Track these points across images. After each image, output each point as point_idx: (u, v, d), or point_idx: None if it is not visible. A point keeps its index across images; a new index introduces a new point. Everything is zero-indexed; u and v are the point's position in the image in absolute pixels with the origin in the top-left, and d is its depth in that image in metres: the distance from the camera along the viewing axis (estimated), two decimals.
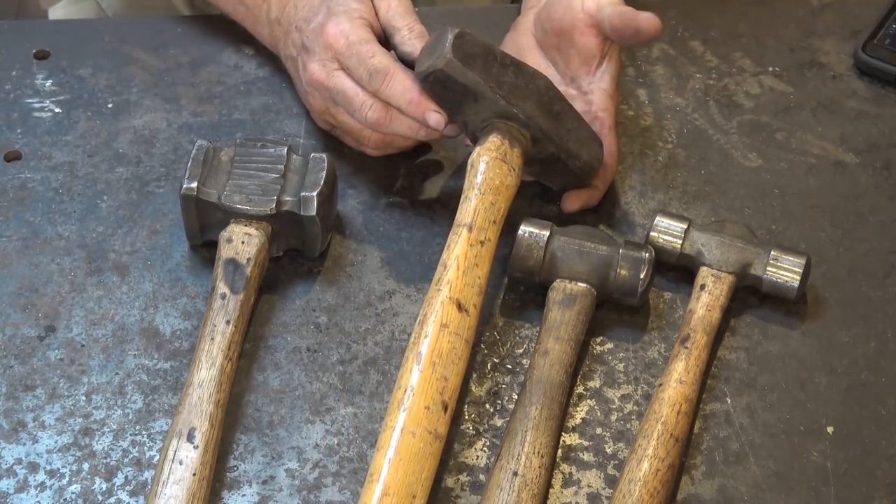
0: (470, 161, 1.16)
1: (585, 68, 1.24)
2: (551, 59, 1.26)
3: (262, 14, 1.31)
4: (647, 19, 1.19)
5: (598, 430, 1.12)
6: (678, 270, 1.20)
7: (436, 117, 1.17)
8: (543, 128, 1.17)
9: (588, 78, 1.24)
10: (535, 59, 1.26)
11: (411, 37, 1.21)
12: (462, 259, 1.10)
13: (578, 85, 1.25)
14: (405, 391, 1.04)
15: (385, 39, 1.24)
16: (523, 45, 1.27)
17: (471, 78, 1.14)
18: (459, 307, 1.08)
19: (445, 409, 1.05)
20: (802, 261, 1.17)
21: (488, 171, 1.15)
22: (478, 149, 1.16)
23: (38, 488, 1.07)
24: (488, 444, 1.11)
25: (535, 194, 1.26)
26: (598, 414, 1.13)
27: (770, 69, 1.39)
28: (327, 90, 1.21)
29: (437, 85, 1.15)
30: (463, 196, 1.14)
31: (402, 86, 1.17)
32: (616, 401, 1.14)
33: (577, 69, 1.24)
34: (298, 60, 1.24)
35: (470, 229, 1.12)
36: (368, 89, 1.18)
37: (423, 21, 1.34)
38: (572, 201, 1.23)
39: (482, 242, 1.12)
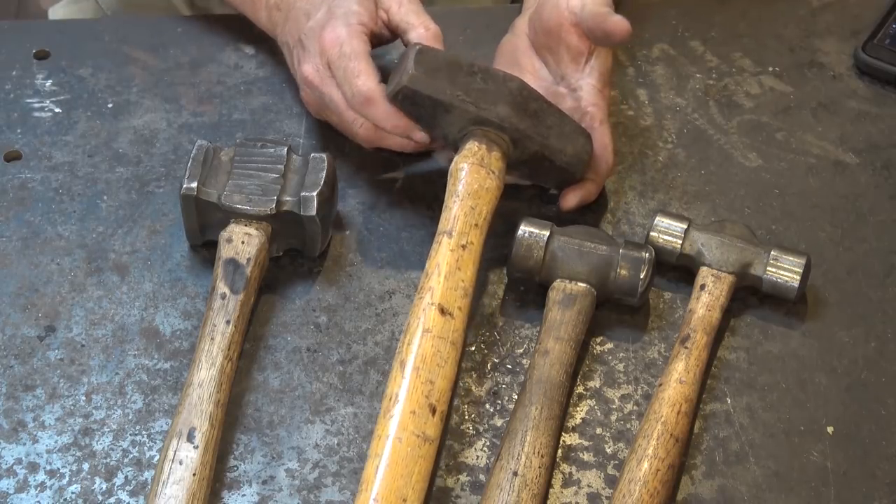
0: (450, 170, 1.17)
1: (574, 66, 1.24)
2: (543, 59, 1.26)
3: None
4: (615, 23, 1.20)
5: (598, 430, 1.12)
6: (678, 270, 1.20)
7: (421, 135, 1.19)
8: (520, 127, 1.17)
9: (577, 75, 1.24)
10: (530, 60, 1.27)
11: (427, 37, 1.22)
12: (443, 265, 1.11)
13: (568, 83, 1.25)
14: (391, 399, 1.05)
15: (391, 37, 1.24)
16: (518, 46, 1.28)
17: (436, 89, 1.16)
18: (443, 311, 1.08)
19: (434, 411, 1.05)
20: (802, 261, 1.17)
21: (466, 176, 1.15)
22: (456, 157, 1.17)
23: (38, 488, 1.07)
24: (488, 444, 1.11)
25: (535, 194, 1.26)
26: (598, 414, 1.13)
27: (770, 69, 1.39)
28: (320, 94, 1.23)
29: (406, 102, 1.17)
30: (444, 205, 1.15)
31: (384, 110, 1.18)
32: (616, 401, 1.14)
33: (567, 67, 1.24)
34: (294, 54, 1.25)
35: (450, 235, 1.12)
36: (352, 109, 1.20)
37: None
38: (569, 198, 1.23)
39: (464, 247, 1.12)
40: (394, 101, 1.17)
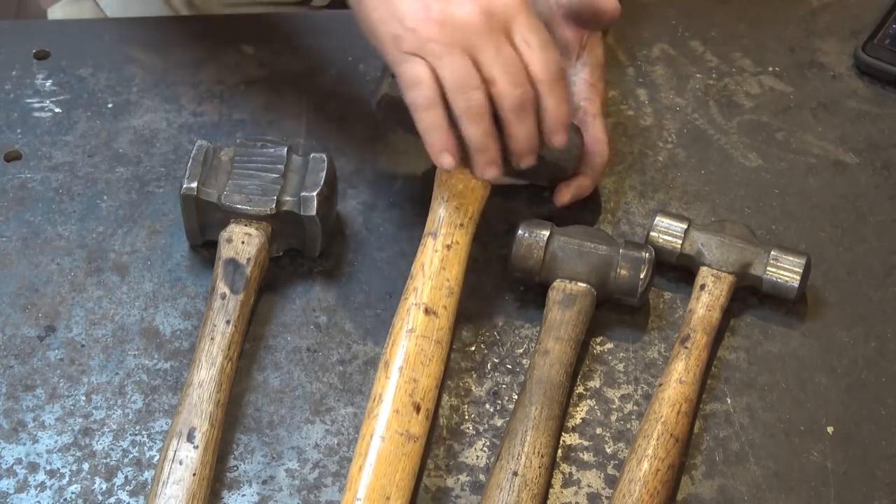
0: (436, 172, 1.17)
1: (566, 61, 1.24)
2: None
3: None
4: (605, 2, 1.20)
5: (598, 430, 1.12)
6: (678, 270, 1.20)
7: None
8: None
9: (569, 70, 1.24)
10: None
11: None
12: (428, 266, 1.11)
13: None
14: (375, 399, 1.06)
15: None
16: None
17: None
18: (427, 311, 1.09)
19: (418, 409, 1.05)
20: (802, 261, 1.17)
21: (450, 178, 1.16)
22: None
23: (38, 488, 1.07)
24: (488, 444, 1.11)
25: (535, 194, 1.26)
26: (598, 414, 1.13)
27: (770, 69, 1.39)
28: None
29: (390, 109, 1.17)
30: (430, 207, 1.15)
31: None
32: (616, 401, 1.14)
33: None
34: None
35: (435, 236, 1.13)
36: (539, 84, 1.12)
37: None
38: (562, 193, 1.23)
39: (448, 246, 1.12)
40: (378, 110, 1.17)
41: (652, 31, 1.42)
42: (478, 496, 1.07)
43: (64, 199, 1.25)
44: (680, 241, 1.19)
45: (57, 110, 1.32)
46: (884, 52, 1.38)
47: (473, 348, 1.16)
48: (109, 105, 1.33)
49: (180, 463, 1.05)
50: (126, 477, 1.08)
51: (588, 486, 1.09)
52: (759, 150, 1.32)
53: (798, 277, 1.17)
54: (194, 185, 1.16)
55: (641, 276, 1.16)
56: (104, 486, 1.07)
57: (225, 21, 1.40)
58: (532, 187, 1.26)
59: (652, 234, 1.20)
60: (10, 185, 1.26)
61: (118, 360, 1.14)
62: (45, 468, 1.08)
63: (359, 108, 1.33)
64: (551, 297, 1.16)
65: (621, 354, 1.16)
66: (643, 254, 1.16)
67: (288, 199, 1.17)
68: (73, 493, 1.07)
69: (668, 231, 1.20)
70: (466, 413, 1.13)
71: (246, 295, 1.14)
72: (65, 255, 1.21)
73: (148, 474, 1.08)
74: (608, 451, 1.11)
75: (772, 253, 1.17)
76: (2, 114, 1.32)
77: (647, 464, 1.06)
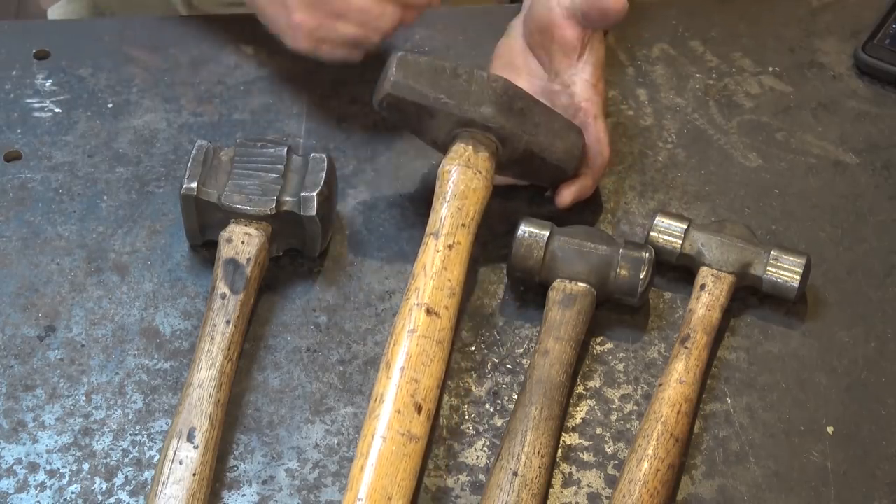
0: (438, 173, 1.17)
1: (567, 62, 1.24)
2: (538, 57, 1.26)
3: None
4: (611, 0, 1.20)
5: (598, 430, 1.12)
6: (678, 270, 1.20)
7: None
8: (506, 126, 1.17)
9: (570, 71, 1.24)
10: (525, 60, 1.26)
11: None
12: (429, 266, 1.11)
13: (562, 80, 1.24)
14: (376, 399, 1.06)
15: None
16: (514, 47, 1.28)
17: (419, 94, 1.16)
18: (428, 311, 1.09)
19: (419, 410, 1.05)
20: (802, 261, 1.17)
21: (453, 178, 1.16)
22: (444, 160, 1.17)
23: (38, 488, 1.07)
24: (488, 444, 1.11)
25: (535, 194, 1.26)
26: (598, 414, 1.13)
27: (770, 69, 1.39)
28: (330, 5, 1.24)
29: (392, 110, 1.17)
30: (432, 208, 1.15)
31: None
32: (616, 401, 1.14)
33: (560, 63, 1.24)
34: None
35: (437, 237, 1.13)
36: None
37: (423, 22, 1.34)
38: (564, 194, 1.23)
39: (450, 247, 1.12)
40: (380, 110, 1.18)
41: (652, 31, 1.42)
42: (478, 496, 1.07)
43: (64, 199, 1.25)
44: (680, 241, 1.19)
45: (57, 110, 1.32)
46: (884, 52, 1.38)
47: (473, 348, 1.16)
48: (109, 105, 1.33)
49: (180, 463, 1.05)
50: (126, 477, 1.08)
51: (588, 486, 1.09)
52: (759, 150, 1.32)
53: (798, 277, 1.17)
54: (194, 185, 1.17)
55: (641, 276, 1.16)
56: (104, 486, 1.07)
57: (225, 21, 1.40)
58: (532, 187, 1.26)
59: (652, 234, 1.20)
60: (10, 185, 1.26)
61: (118, 360, 1.15)
62: (45, 468, 1.08)
63: (359, 108, 1.33)
64: (551, 297, 1.16)
65: (621, 354, 1.17)
66: (643, 254, 1.16)
67: (288, 199, 1.17)
68: (73, 493, 1.07)
69: (668, 231, 1.20)
70: (466, 413, 1.13)
71: (246, 295, 1.14)
72: (65, 255, 1.21)
73: (148, 474, 1.08)
74: (608, 451, 1.11)
75: (772, 253, 1.18)
76: (2, 114, 1.32)
77: (647, 464, 1.06)
